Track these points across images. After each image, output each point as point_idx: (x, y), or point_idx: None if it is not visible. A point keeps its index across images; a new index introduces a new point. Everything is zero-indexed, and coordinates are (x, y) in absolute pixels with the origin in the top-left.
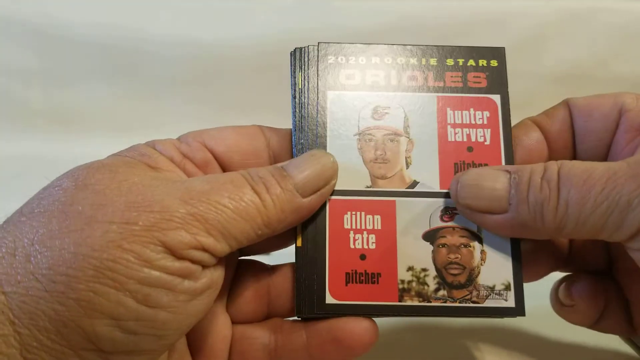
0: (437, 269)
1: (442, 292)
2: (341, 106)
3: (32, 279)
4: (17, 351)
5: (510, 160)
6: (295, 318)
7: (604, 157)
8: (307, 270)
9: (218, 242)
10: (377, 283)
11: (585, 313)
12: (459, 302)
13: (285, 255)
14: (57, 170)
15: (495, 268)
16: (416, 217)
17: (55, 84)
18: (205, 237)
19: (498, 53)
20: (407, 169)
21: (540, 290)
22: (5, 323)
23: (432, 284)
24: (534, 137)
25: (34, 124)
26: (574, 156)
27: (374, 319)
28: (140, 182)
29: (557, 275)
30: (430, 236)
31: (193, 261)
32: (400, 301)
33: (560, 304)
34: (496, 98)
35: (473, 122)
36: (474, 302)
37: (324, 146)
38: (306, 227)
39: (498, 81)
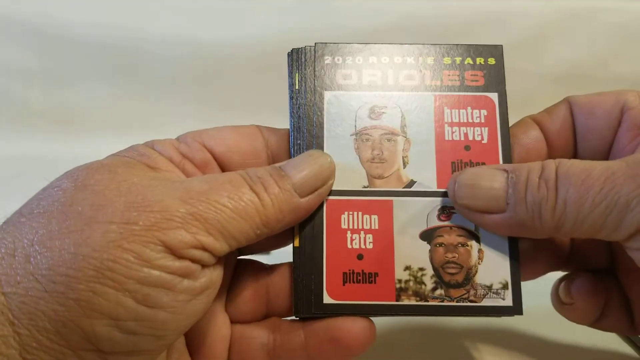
0: (434, 268)
1: (439, 292)
2: (338, 106)
3: (32, 279)
4: (16, 352)
5: (507, 158)
6: (294, 317)
7: (606, 155)
8: (305, 270)
9: (217, 241)
10: (375, 283)
11: (585, 311)
12: (457, 301)
13: (284, 254)
14: (57, 171)
15: (492, 267)
16: (413, 216)
17: (55, 84)
18: (205, 237)
19: (496, 51)
20: (404, 168)
21: (539, 290)
22: (5, 324)
23: (429, 283)
24: (533, 135)
25: (34, 124)
26: (575, 154)
27: (371, 318)
28: (139, 182)
29: (557, 274)
30: (428, 235)
31: (193, 260)
32: (397, 300)
33: (561, 302)
34: (494, 96)
35: (470, 120)
36: (471, 301)
37: (321, 146)
38: (304, 227)
39: (496, 79)
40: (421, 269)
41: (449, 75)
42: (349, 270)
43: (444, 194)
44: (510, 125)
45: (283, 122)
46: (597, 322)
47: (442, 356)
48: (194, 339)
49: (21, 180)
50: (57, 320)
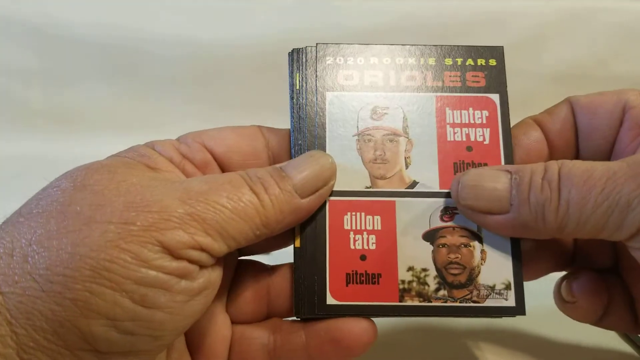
0: (437, 269)
1: (442, 292)
2: (340, 107)
3: (30, 279)
4: (13, 351)
5: (509, 159)
6: (294, 318)
7: (608, 154)
8: (306, 271)
9: (216, 242)
10: (378, 283)
11: (587, 309)
12: (460, 302)
13: (285, 254)
14: (57, 171)
15: (495, 267)
16: (416, 217)
17: (55, 84)
18: (203, 237)
19: (497, 52)
20: (406, 169)
21: (541, 289)
22: (2, 323)
23: (432, 284)
24: (533, 136)
25: (34, 124)
26: (577, 154)
27: (373, 319)
28: (138, 182)
29: (560, 273)
30: (430, 236)
31: (191, 261)
32: (400, 301)
33: (563, 301)
34: (495, 97)
35: (472, 121)
36: (474, 301)
37: (323, 147)
38: (305, 228)
39: (497, 80)
40: (424, 270)
41: (451, 76)
42: (352, 271)
43: (447, 195)
44: (511, 126)
45: (283, 122)
46: (601, 321)
47: (445, 356)
48: (194, 339)
49: (21, 180)
50: (55, 320)
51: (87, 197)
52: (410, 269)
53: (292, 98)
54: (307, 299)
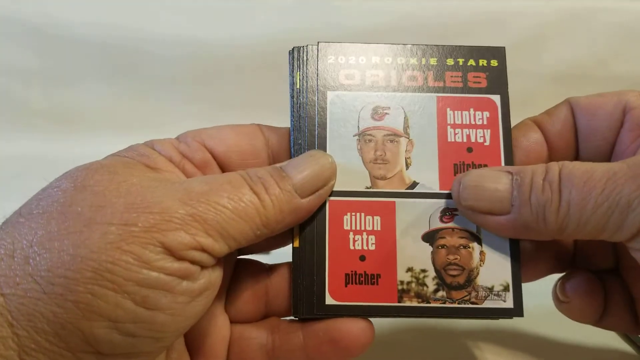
0: (436, 270)
1: (441, 293)
2: (341, 106)
3: (31, 280)
4: (15, 353)
5: (509, 161)
6: (293, 317)
7: (608, 155)
8: (305, 270)
9: (217, 242)
10: (377, 284)
11: (582, 309)
12: (458, 303)
13: (284, 254)
14: (57, 171)
15: (494, 269)
16: (416, 218)
17: (55, 84)
18: (204, 238)
19: (498, 53)
20: (406, 169)
21: (540, 290)
22: (4, 325)
23: (431, 284)
24: (533, 138)
25: (34, 124)
26: (576, 155)
27: (371, 319)
28: (139, 183)
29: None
30: (430, 237)
31: (192, 262)
32: (399, 302)
33: (559, 301)
34: (496, 98)
35: (473, 122)
36: (472, 303)
37: (323, 147)
38: (305, 228)
39: (498, 81)
40: (423, 271)
41: (452, 76)
42: (352, 271)
43: (447, 196)
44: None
45: (283, 122)
46: (600, 321)
47: (444, 356)
48: (193, 339)
49: (21, 180)
50: (56, 322)
51: (87, 197)
52: (409, 269)
53: (292, 97)
54: (305, 299)
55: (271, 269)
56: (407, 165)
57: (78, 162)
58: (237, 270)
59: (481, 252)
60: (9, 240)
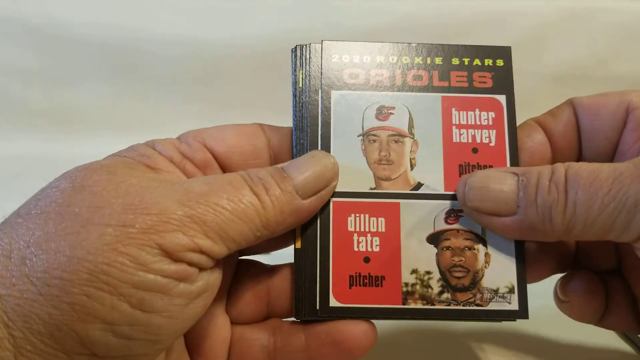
0: (441, 272)
1: (445, 295)
2: (345, 106)
3: (27, 282)
4: (11, 354)
5: (515, 161)
6: (294, 319)
7: (611, 156)
8: (307, 272)
9: (216, 244)
10: (381, 286)
11: (582, 309)
12: (463, 305)
13: (286, 254)
14: (57, 171)
15: (499, 271)
16: (420, 219)
17: (55, 84)
18: (203, 240)
19: (504, 52)
20: (411, 170)
21: (544, 291)
22: (0, 326)
23: (436, 286)
24: (537, 139)
25: (34, 124)
26: (579, 155)
27: (373, 321)
28: (138, 183)
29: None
30: (435, 239)
31: (190, 264)
32: (404, 304)
33: (560, 300)
34: (502, 98)
35: (478, 122)
36: (477, 305)
37: (327, 147)
38: (307, 229)
39: (504, 81)
40: (428, 273)
41: (457, 76)
42: (356, 273)
43: (452, 197)
44: None
45: (284, 122)
46: (602, 321)
47: (446, 357)
48: (193, 340)
49: (21, 180)
50: (52, 323)
51: (85, 198)
52: (413, 271)
53: (294, 96)
54: (307, 301)
55: (273, 269)
56: (412, 166)
57: (78, 162)
58: (238, 271)
59: (486, 254)
60: (6, 241)
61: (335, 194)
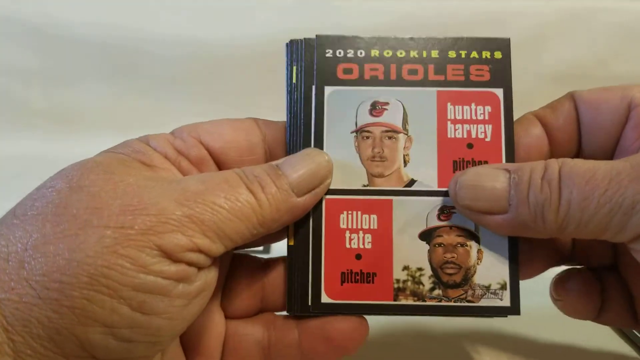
0: (432, 269)
1: (437, 292)
2: (338, 102)
3: (26, 285)
4: (10, 359)
5: (511, 157)
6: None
7: (611, 151)
8: (299, 269)
9: (214, 243)
10: (373, 283)
11: (577, 307)
12: (454, 302)
13: (280, 247)
14: (57, 171)
15: (491, 267)
16: (413, 216)
17: (55, 84)
18: (201, 239)
19: (503, 44)
20: (404, 167)
21: (539, 289)
22: None
23: (427, 283)
24: (534, 133)
25: (34, 124)
26: (579, 150)
27: (367, 317)
28: (135, 183)
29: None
30: (427, 235)
31: (189, 263)
32: (395, 300)
33: (554, 298)
34: (499, 92)
35: (474, 117)
36: (469, 301)
37: (320, 144)
38: (301, 226)
39: (501, 74)
40: (419, 269)
41: (454, 69)
42: (347, 270)
43: (445, 194)
44: None
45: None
46: (599, 317)
47: (441, 356)
48: (188, 337)
49: (21, 180)
50: (51, 327)
51: (83, 199)
52: (405, 268)
53: (288, 92)
54: (300, 297)
55: (267, 263)
56: (405, 163)
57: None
58: (232, 265)
59: (479, 251)
60: (3, 243)
61: (328, 191)
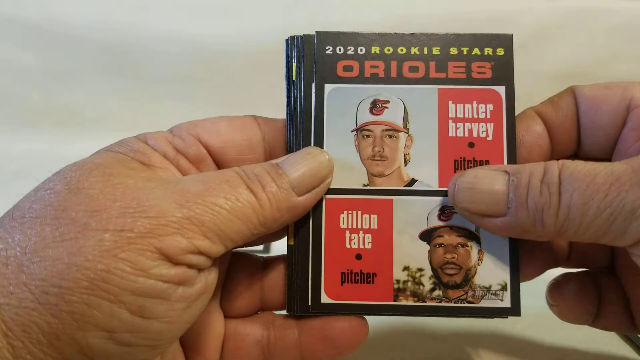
0: (433, 269)
1: (437, 292)
2: (339, 100)
3: (25, 290)
4: None
5: (512, 157)
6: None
7: (610, 150)
8: (299, 268)
9: (214, 244)
10: (373, 283)
11: (572, 313)
12: (454, 302)
13: (280, 246)
14: (57, 170)
15: (492, 268)
16: (413, 216)
17: (56, 83)
18: (202, 241)
19: (505, 41)
20: (405, 166)
21: (538, 290)
22: None
23: (427, 283)
24: (536, 132)
25: (34, 123)
26: (578, 146)
27: (367, 317)
28: (134, 184)
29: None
30: (427, 236)
31: (189, 266)
32: (395, 301)
33: (550, 303)
34: (501, 90)
35: (475, 116)
36: (469, 302)
37: (320, 142)
38: (301, 226)
39: (504, 72)
40: (420, 270)
41: (455, 66)
42: (347, 270)
43: (446, 194)
44: None
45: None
46: (596, 321)
47: (441, 356)
48: (187, 337)
49: (21, 180)
50: (51, 332)
51: (82, 202)
52: (405, 268)
53: (288, 89)
54: (299, 297)
55: (266, 262)
56: (406, 162)
57: None
58: (232, 264)
59: (479, 251)
60: (1, 247)
61: (328, 191)
